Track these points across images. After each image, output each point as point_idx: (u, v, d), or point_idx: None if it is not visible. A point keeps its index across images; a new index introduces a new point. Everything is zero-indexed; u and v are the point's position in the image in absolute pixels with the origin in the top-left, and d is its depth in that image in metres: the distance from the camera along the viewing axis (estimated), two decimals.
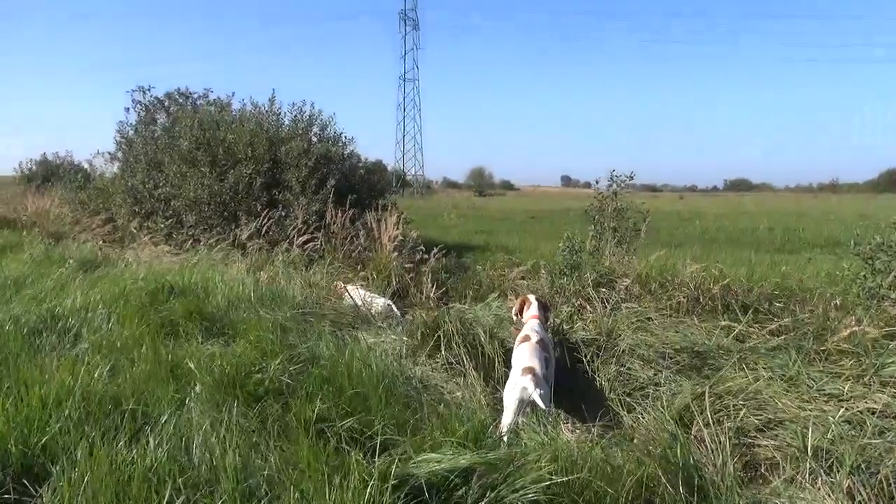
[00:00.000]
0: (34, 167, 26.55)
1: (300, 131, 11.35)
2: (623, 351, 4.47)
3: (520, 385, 3.57)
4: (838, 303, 5.35)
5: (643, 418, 3.71)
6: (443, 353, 4.53)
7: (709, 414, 3.45)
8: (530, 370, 3.64)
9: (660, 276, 6.35)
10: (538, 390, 3.48)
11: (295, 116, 11.65)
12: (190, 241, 10.10)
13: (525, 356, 3.85)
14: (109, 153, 13.78)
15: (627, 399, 4.03)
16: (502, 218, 27.18)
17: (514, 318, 4.77)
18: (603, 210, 6.61)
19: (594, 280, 5.98)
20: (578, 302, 5.86)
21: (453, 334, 4.60)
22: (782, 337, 4.62)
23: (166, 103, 13.92)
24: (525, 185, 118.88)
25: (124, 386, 3.63)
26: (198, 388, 3.49)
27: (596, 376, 4.35)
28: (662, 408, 3.65)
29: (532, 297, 4.69)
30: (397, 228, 7.90)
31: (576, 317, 5.56)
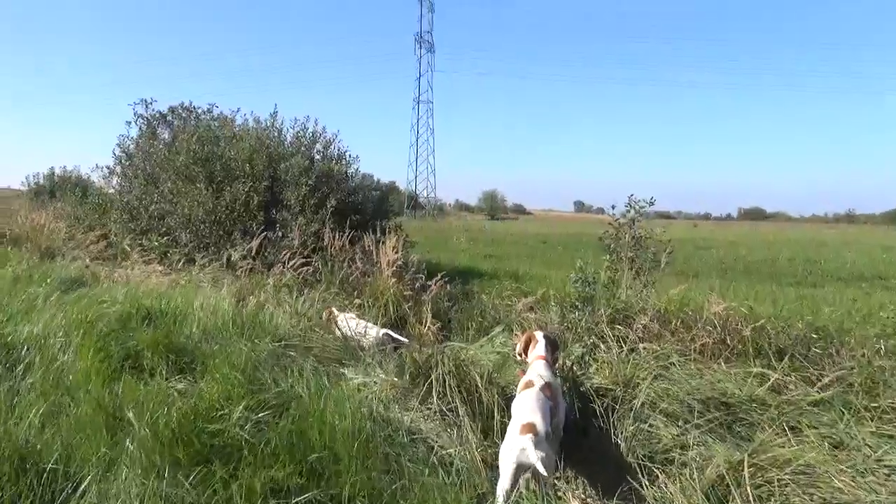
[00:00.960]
0: (42, 181, 26.39)
1: (302, 148, 10.91)
2: (643, 404, 3.84)
3: (517, 446, 2.95)
4: (883, 348, 4.77)
5: (668, 490, 3.10)
6: (434, 399, 3.93)
7: (749, 490, 2.86)
8: (530, 427, 3.02)
9: (681, 313, 5.77)
10: (539, 453, 2.86)
11: (297, 133, 11.21)
12: (183, 261, 9.62)
13: (525, 408, 3.22)
14: (108, 167, 13.37)
15: (649, 464, 3.40)
16: (513, 242, 26.57)
17: (519, 357, 4.16)
18: (619, 238, 6.02)
19: (609, 316, 5.39)
20: (591, 340, 5.26)
21: (447, 377, 4.01)
22: (828, 391, 3.99)
23: (169, 117, 13.54)
24: (538, 210, 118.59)
25: (53, 438, 3.07)
26: (131, 446, 2.90)
27: (612, 433, 3.73)
28: (692, 478, 3.05)
29: (539, 334, 4.05)
30: (396, 252, 7.34)
31: (589, 357, 4.95)
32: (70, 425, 3.20)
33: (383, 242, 7.55)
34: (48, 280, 7.53)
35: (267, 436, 3.18)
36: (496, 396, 3.87)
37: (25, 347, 4.65)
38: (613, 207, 6.05)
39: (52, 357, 4.49)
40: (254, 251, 8.53)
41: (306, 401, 3.67)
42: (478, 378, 3.96)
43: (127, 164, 12.79)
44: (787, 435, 3.37)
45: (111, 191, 13.20)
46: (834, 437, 3.49)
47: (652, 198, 5.80)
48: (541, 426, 3.05)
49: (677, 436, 3.58)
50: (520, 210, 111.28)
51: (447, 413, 3.86)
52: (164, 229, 10.47)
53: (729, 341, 5.11)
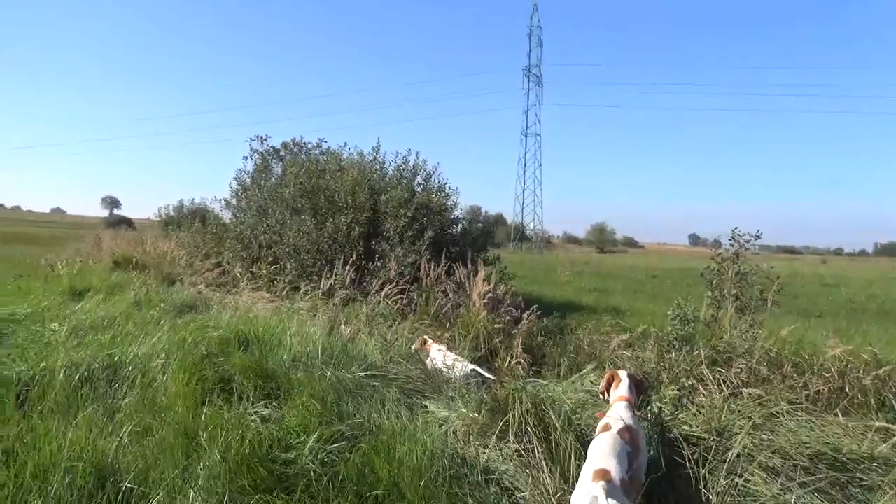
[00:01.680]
0: (171, 212, 28.52)
1: (403, 181, 11.11)
2: (738, 456, 3.49)
3: (588, 493, 2.71)
4: None
5: None
6: (511, 439, 3.77)
7: None
8: (603, 474, 2.78)
9: (794, 356, 5.29)
10: (612, 501, 2.61)
11: (399, 166, 11.46)
12: (287, 289, 9.98)
13: (599, 453, 2.99)
14: (225, 199, 14.23)
15: None
16: (621, 276, 25.72)
17: (601, 396, 3.92)
18: (722, 273, 5.62)
19: (710, 357, 5.02)
20: (690, 382, 4.90)
21: (525, 416, 3.83)
22: None
23: (282, 152, 14.25)
24: (650, 243, 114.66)
25: (134, 457, 3.19)
26: (200, 470, 2.95)
27: (702, 487, 3.39)
28: None
29: (623, 374, 3.80)
30: (487, 284, 7.24)
31: (686, 400, 4.60)
32: (152, 446, 3.32)
33: (476, 274, 7.47)
34: (161, 304, 7.99)
35: (336, 468, 3.15)
36: (572, 439, 3.64)
37: (130, 367, 4.91)
38: (716, 240, 5.67)
39: (151, 378, 4.73)
40: (351, 280, 8.70)
41: (379, 434, 3.62)
42: (554, 418, 3.75)
43: (242, 195, 13.55)
44: None
45: (227, 221, 13.99)
46: None
47: (758, 231, 5.40)
48: (615, 473, 2.81)
49: (778, 494, 3.22)
50: (630, 243, 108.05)
51: (524, 453, 3.69)
52: (271, 258, 10.93)
53: (848, 390, 4.62)
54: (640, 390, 3.84)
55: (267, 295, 10.24)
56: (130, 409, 3.99)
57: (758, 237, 5.46)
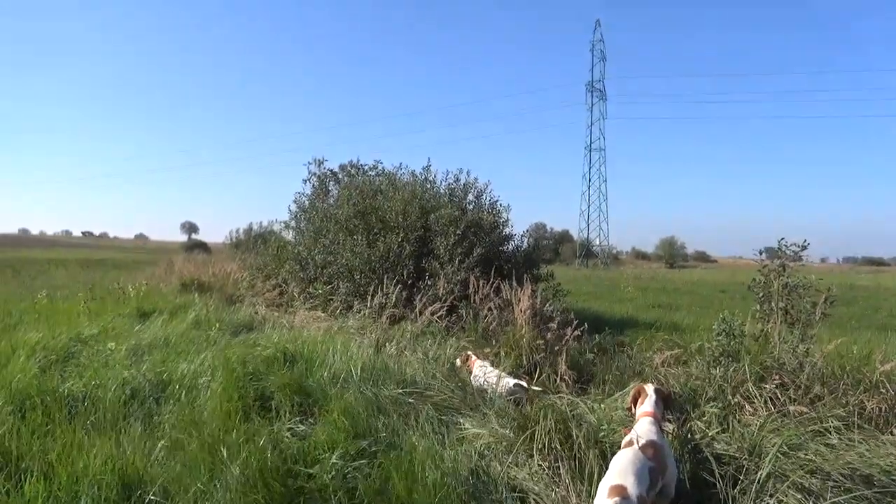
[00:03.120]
0: (241, 235, 29.61)
1: (454, 199, 11.20)
2: (771, 475, 3.32)
3: None
4: None
5: None
6: (535, 457, 3.72)
7: None
8: (619, 490, 2.72)
9: (854, 372, 5.01)
10: None
11: (450, 184, 11.55)
12: (340, 309, 10.18)
13: (618, 469, 2.91)
14: (285, 222, 14.68)
15: None
16: (687, 291, 24.91)
17: (629, 411, 3.85)
18: (769, 286, 5.40)
19: (756, 373, 4.82)
20: (736, 399, 4.72)
21: (552, 434, 3.78)
22: None
23: (339, 174, 14.61)
24: (723, 257, 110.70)
25: (164, 470, 3.32)
26: (217, 485, 3.05)
27: None
28: None
29: (649, 388, 3.75)
30: (531, 300, 7.18)
31: (732, 418, 4.42)
32: (182, 460, 3.45)
33: (518, 291, 7.43)
34: (217, 324, 8.29)
35: (354, 484, 3.19)
36: (594, 456, 3.55)
37: (177, 385, 5.12)
38: (761, 252, 5.47)
39: (196, 395, 4.91)
40: (398, 299, 8.80)
41: (400, 450, 3.64)
42: (577, 434, 3.68)
43: (301, 217, 13.95)
44: None
45: (287, 243, 14.42)
46: None
47: (805, 241, 5.16)
48: (632, 490, 2.74)
49: None
50: (702, 257, 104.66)
51: (549, 471, 3.63)
52: (326, 278, 11.17)
53: None
54: (668, 405, 3.77)
55: (322, 314, 10.48)
56: (169, 424, 4.16)
57: (804, 247, 5.21)
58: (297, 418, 4.48)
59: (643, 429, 3.33)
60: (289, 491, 3.08)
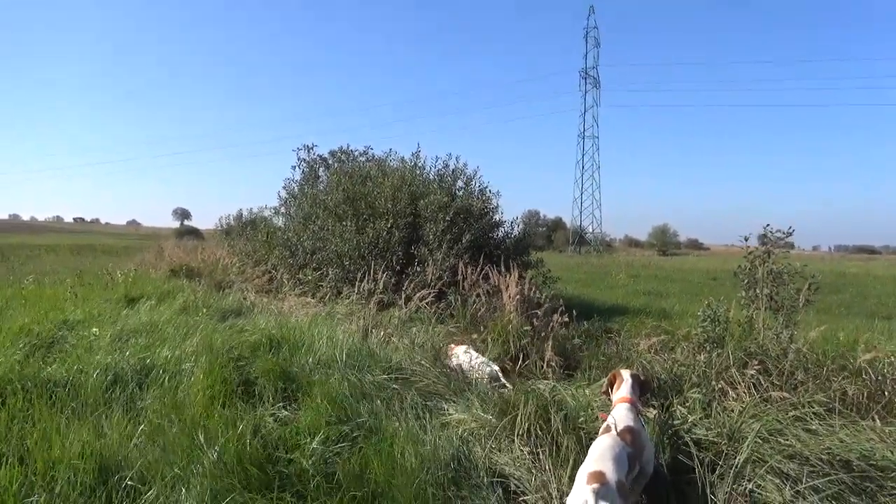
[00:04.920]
0: (231, 222, 29.35)
1: (443, 185, 11.15)
2: (749, 460, 3.33)
3: (580, 497, 2.63)
4: None
5: None
6: (516, 442, 3.72)
7: None
8: (597, 476, 2.70)
9: (840, 358, 5.03)
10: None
11: (439, 170, 11.51)
12: (329, 295, 10.15)
13: (596, 455, 2.90)
14: (274, 208, 14.61)
15: None
16: (678, 279, 24.97)
17: (605, 396, 3.87)
18: (754, 273, 5.40)
19: (740, 359, 4.83)
20: (720, 385, 4.73)
21: (532, 419, 3.78)
22: None
23: (329, 161, 14.52)
24: (715, 245, 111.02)
25: (141, 455, 3.30)
26: (195, 469, 3.03)
27: (709, 493, 3.24)
28: None
29: (626, 373, 3.74)
30: (518, 286, 7.17)
31: (715, 403, 4.43)
32: (161, 445, 3.43)
33: (506, 277, 7.42)
34: (205, 310, 8.25)
35: (333, 468, 3.19)
36: (572, 442, 3.56)
37: (160, 370, 5.09)
38: (746, 239, 5.46)
39: (179, 381, 4.88)
40: (385, 284, 8.78)
41: (380, 435, 3.64)
42: (555, 420, 3.68)
43: (291, 203, 13.89)
44: None
45: (276, 229, 14.36)
46: None
47: (790, 227, 5.17)
48: (611, 475, 2.73)
49: (791, 500, 3.05)
50: (695, 245, 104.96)
51: (529, 456, 3.63)
52: (315, 264, 11.14)
53: (886, 393, 4.37)
54: (645, 390, 3.78)
55: (310, 300, 10.46)
56: (151, 410, 4.13)
57: (789, 234, 5.22)
58: (281, 404, 4.48)
59: (620, 414, 3.33)
60: (266, 476, 3.07)
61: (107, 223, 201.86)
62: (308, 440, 3.56)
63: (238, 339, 6.19)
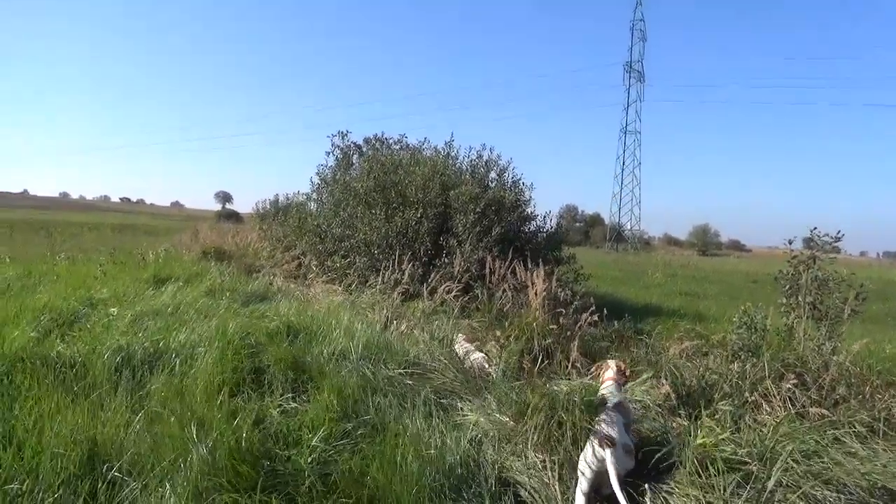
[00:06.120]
0: (267, 206, 29.48)
1: (476, 176, 10.93)
2: (783, 484, 3.05)
3: (597, 456, 3.12)
4: None
5: None
6: (529, 445, 3.52)
7: None
8: (610, 440, 3.15)
9: (887, 374, 4.70)
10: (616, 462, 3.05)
11: (472, 161, 11.28)
12: (355, 283, 10.03)
13: (604, 424, 3.37)
14: (307, 194, 14.57)
15: None
16: (717, 280, 24.30)
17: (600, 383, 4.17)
18: (797, 279, 5.06)
19: (776, 370, 4.53)
20: (753, 397, 4.43)
21: (540, 421, 3.58)
22: None
23: (364, 148, 14.39)
24: (759, 247, 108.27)
25: (137, 443, 3.18)
26: (183, 464, 2.89)
27: None
28: None
29: (612, 362, 4.29)
30: (545, 282, 6.91)
31: (749, 417, 4.14)
32: (155, 433, 3.31)
33: (534, 273, 7.17)
34: (228, 293, 8.20)
35: (329, 468, 3.02)
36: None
37: (173, 355, 5.00)
38: (791, 242, 5.13)
39: (190, 366, 4.77)
40: (411, 275, 8.63)
41: (387, 435, 3.46)
42: (566, 419, 3.49)
43: (323, 190, 13.81)
44: None
45: (308, 215, 14.30)
46: None
47: (839, 232, 4.82)
48: (619, 439, 3.20)
49: None
50: (736, 246, 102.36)
51: (541, 463, 3.42)
52: (343, 252, 11.04)
53: None
54: (623, 375, 4.20)
55: (337, 288, 10.36)
56: (155, 395, 4.02)
57: (838, 238, 4.87)
58: (290, 395, 4.33)
59: (609, 390, 3.85)
60: (258, 474, 2.90)
61: (151, 204, 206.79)
62: (310, 436, 3.40)
63: (257, 326, 6.08)
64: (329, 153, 14.24)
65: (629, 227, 73.76)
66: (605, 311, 7.11)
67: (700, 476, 3.16)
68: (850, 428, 3.72)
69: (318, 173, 14.17)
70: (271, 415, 3.80)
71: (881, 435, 3.79)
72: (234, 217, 59.83)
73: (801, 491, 2.98)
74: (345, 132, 14.31)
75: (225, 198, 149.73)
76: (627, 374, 4.36)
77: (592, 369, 5.16)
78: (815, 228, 5.00)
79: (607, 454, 3.07)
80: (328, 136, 14.32)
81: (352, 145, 14.24)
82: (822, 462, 3.26)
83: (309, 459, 3.10)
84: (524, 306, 7.36)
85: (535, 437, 3.58)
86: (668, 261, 38.04)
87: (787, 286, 5.16)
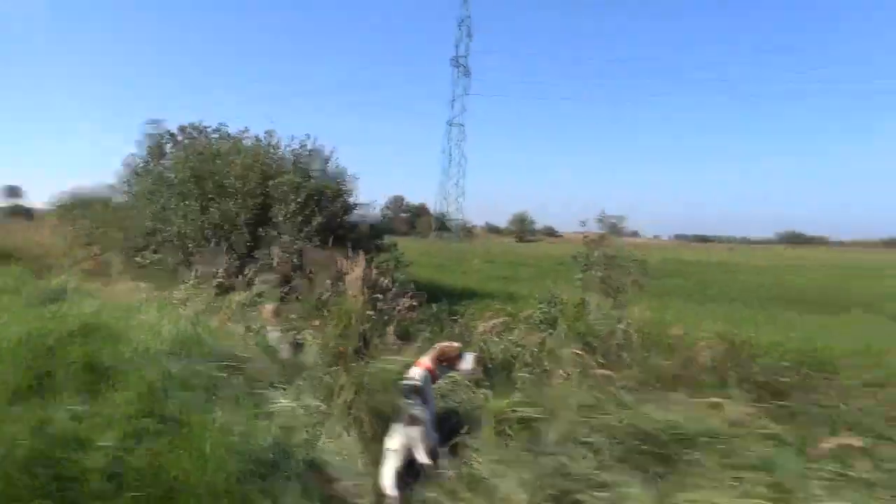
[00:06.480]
0: (66, 199, 26.69)
1: (299, 165, 10.74)
2: (561, 435, 3.46)
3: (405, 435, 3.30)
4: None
5: None
6: (337, 427, 3.62)
7: None
8: (414, 419, 3.34)
9: (665, 337, 5.37)
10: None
11: (294, 151, 11.06)
12: (166, 278, 9.48)
13: (409, 405, 3.48)
14: (112, 186, 13.48)
15: None
16: (531, 264, 26.11)
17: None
18: (589, 256, 5.64)
19: (570, 338, 5.01)
20: (549, 365, 4.88)
21: (355, 400, 3.71)
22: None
23: (179, 137, 13.52)
24: (569, 232, 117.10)
25: None
26: None
27: None
28: None
29: (437, 346, 4.25)
30: (363, 270, 7.03)
31: (543, 383, 4.57)
32: None
33: (352, 261, 7.26)
34: (10, 296, 7.42)
35: (120, 467, 2.88)
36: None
37: None
38: (584, 224, 5.68)
39: None
40: (226, 268, 8.36)
41: (183, 428, 3.37)
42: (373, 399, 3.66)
43: (132, 181, 12.85)
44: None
45: (113, 208, 13.25)
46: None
47: (623, 215, 5.44)
48: (422, 415, 3.40)
49: (596, 472, 3.17)
50: (550, 232, 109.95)
51: (348, 441, 3.55)
52: (153, 247, 10.39)
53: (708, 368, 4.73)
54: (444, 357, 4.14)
55: (144, 285, 9.71)
56: None
57: (622, 219, 5.50)
58: (82, 398, 4.02)
59: (416, 372, 3.82)
60: (37, 482, 2.68)
61: None
62: (103, 437, 3.21)
63: (46, 328, 5.55)
64: (139, 142, 13.25)
65: (454, 217, 76.52)
66: (426, 297, 7.40)
67: (499, 435, 3.47)
68: (625, 384, 4.25)
69: (125, 163, 13.15)
70: (59, 420, 3.52)
71: (651, 388, 4.35)
72: (24, 213, 53.51)
73: (573, 440, 3.38)
74: (157, 120, 13.42)
75: (12, 192, 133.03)
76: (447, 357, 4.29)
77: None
78: (603, 210, 5.58)
79: (413, 431, 3.31)
80: (139, 125, 13.34)
81: (166, 133, 13.35)
82: (601, 414, 3.70)
83: (100, 460, 2.92)
84: (343, 294, 7.42)
85: (344, 418, 3.67)
86: (488, 248, 40.13)
87: (583, 263, 5.72)
